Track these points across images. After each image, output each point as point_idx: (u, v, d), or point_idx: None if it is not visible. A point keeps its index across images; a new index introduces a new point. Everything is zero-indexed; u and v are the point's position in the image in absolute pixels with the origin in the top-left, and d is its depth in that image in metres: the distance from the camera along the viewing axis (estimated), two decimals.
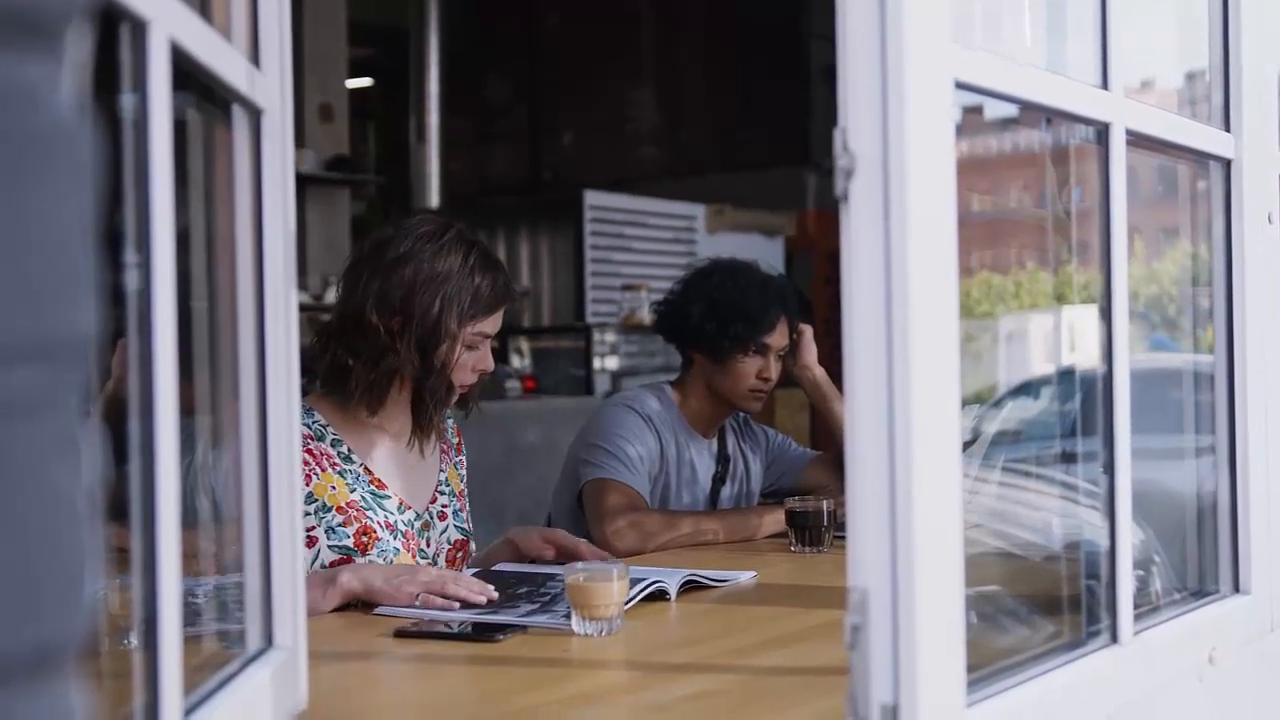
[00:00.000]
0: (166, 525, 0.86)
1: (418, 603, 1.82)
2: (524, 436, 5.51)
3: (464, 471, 2.29)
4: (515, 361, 7.00)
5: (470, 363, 2.09)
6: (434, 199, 7.68)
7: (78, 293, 0.56)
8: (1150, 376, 1.62)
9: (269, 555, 1.18)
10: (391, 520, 2.07)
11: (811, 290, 6.87)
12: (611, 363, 6.93)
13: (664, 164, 8.70)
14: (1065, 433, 1.65)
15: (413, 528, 2.11)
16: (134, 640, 0.92)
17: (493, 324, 2.10)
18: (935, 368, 1.04)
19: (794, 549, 2.39)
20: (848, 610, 1.02)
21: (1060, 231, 1.68)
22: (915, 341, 1.01)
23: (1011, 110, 1.39)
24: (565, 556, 2.11)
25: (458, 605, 1.80)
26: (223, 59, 1.04)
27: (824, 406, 2.82)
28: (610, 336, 6.97)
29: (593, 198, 7.65)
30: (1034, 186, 1.71)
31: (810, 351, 2.79)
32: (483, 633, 1.67)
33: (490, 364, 2.13)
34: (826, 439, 3.12)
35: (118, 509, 0.85)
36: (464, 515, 2.24)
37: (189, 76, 0.96)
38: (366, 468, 2.09)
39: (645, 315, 6.77)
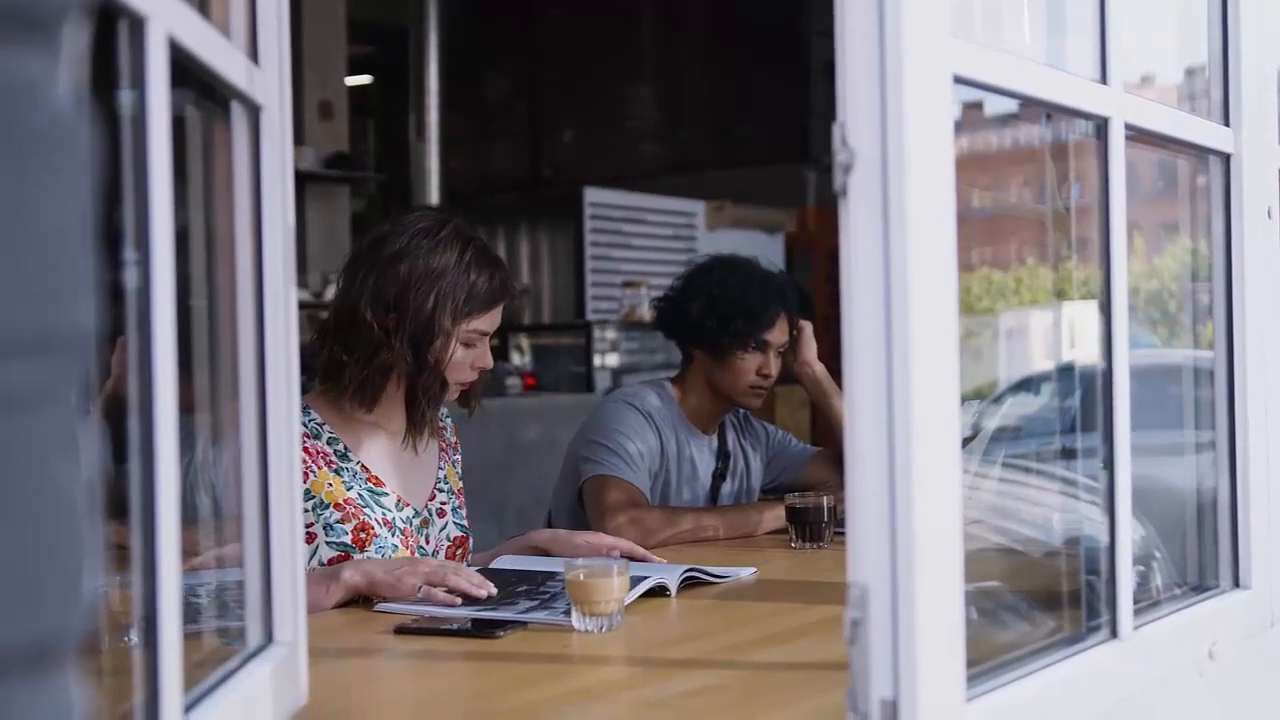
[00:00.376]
0: (166, 522, 0.86)
1: (419, 594, 1.81)
2: (524, 433, 5.52)
3: (460, 469, 2.29)
4: (515, 358, 7.00)
5: (468, 360, 2.09)
6: (434, 196, 7.68)
7: (76, 288, 0.56)
8: (1150, 372, 1.62)
9: (269, 552, 1.18)
10: (389, 517, 2.07)
11: (812, 287, 6.87)
12: (612, 359, 6.94)
13: (664, 161, 8.69)
14: (1065, 428, 1.65)
15: (411, 525, 2.11)
16: (134, 637, 0.92)
17: (489, 321, 2.09)
18: (935, 363, 1.04)
19: (794, 545, 2.39)
20: (847, 605, 1.02)
21: (1060, 227, 1.68)
22: (915, 337, 1.01)
23: (1012, 106, 1.39)
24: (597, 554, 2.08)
25: (459, 600, 1.80)
26: (221, 56, 1.04)
27: (824, 403, 2.82)
28: (610, 333, 6.98)
29: (593, 195, 7.66)
30: (1035, 182, 1.71)
31: (810, 348, 2.79)
32: (483, 629, 1.68)
33: (489, 361, 2.12)
34: (827, 435, 3.12)
35: (118, 506, 0.85)
36: (463, 513, 2.24)
37: (187, 73, 0.96)
38: (364, 465, 2.09)
39: (645, 312, 6.78)
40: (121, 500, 0.86)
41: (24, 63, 0.52)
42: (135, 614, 0.88)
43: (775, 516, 2.53)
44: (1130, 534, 1.36)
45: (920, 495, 1.01)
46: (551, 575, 1.94)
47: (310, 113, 6.92)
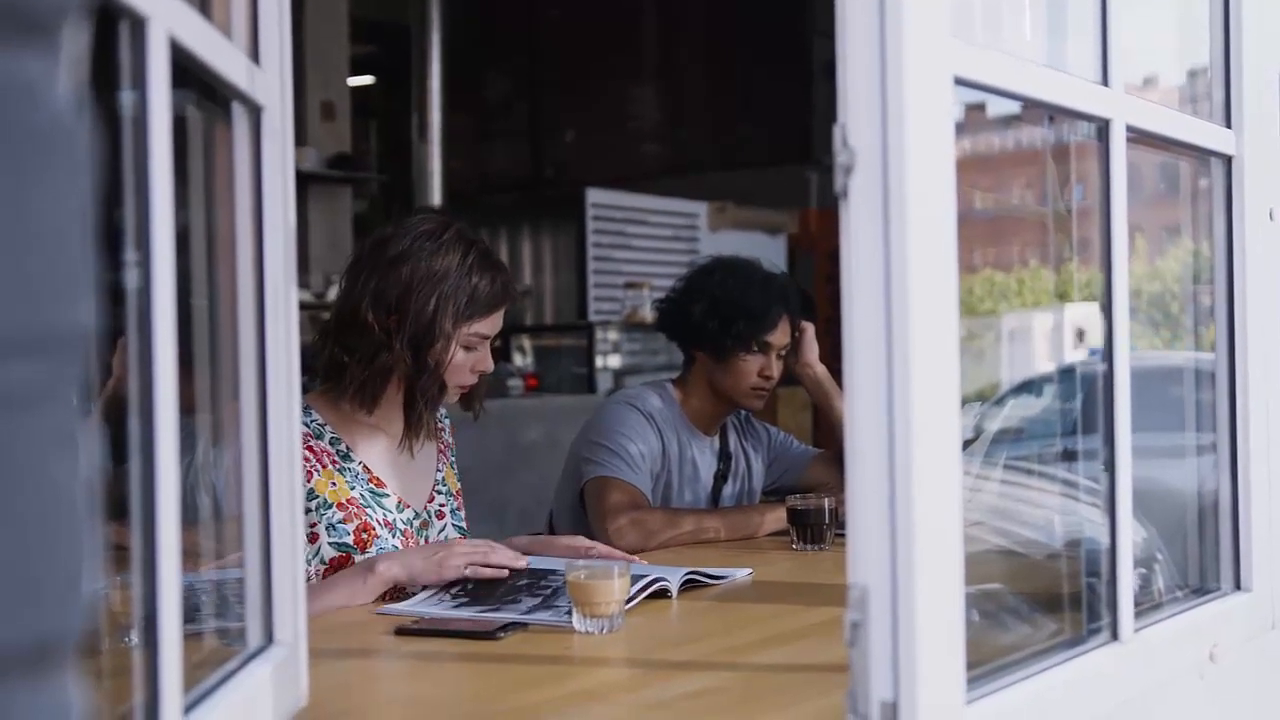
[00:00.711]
0: (166, 523, 0.86)
1: (467, 572, 1.88)
2: (526, 434, 5.52)
3: (457, 470, 2.30)
4: (517, 359, 7.00)
5: (469, 364, 2.09)
6: (436, 197, 7.68)
7: (76, 288, 0.56)
8: (1152, 374, 1.62)
9: (269, 552, 1.18)
10: (390, 519, 2.08)
11: (814, 288, 6.87)
12: (614, 361, 6.94)
13: (666, 161, 8.69)
14: (1066, 430, 1.65)
15: (411, 526, 2.11)
16: (134, 638, 0.92)
17: (490, 325, 2.10)
18: (935, 364, 1.03)
19: (795, 547, 2.39)
20: (847, 607, 1.02)
21: (1063, 229, 1.68)
22: (915, 338, 1.01)
23: (1015, 107, 1.39)
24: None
25: (506, 572, 1.89)
26: (222, 56, 1.04)
27: (825, 404, 2.82)
28: (612, 334, 6.98)
29: (595, 195, 7.66)
30: (1037, 184, 1.70)
31: (812, 349, 2.79)
32: (484, 630, 1.68)
33: (490, 365, 2.13)
34: (829, 437, 3.12)
35: (119, 507, 0.85)
36: (461, 514, 2.24)
37: (188, 73, 0.97)
38: (365, 466, 2.09)
39: (647, 313, 6.78)
40: (122, 500, 0.86)
41: (24, 64, 0.52)
42: (135, 614, 0.88)
43: (776, 518, 2.53)
44: (1131, 536, 1.36)
45: (920, 496, 1.01)
46: (551, 571, 1.94)
47: (312, 113, 6.93)
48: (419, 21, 7.45)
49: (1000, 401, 1.94)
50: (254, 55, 1.17)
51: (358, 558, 2.00)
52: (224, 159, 1.15)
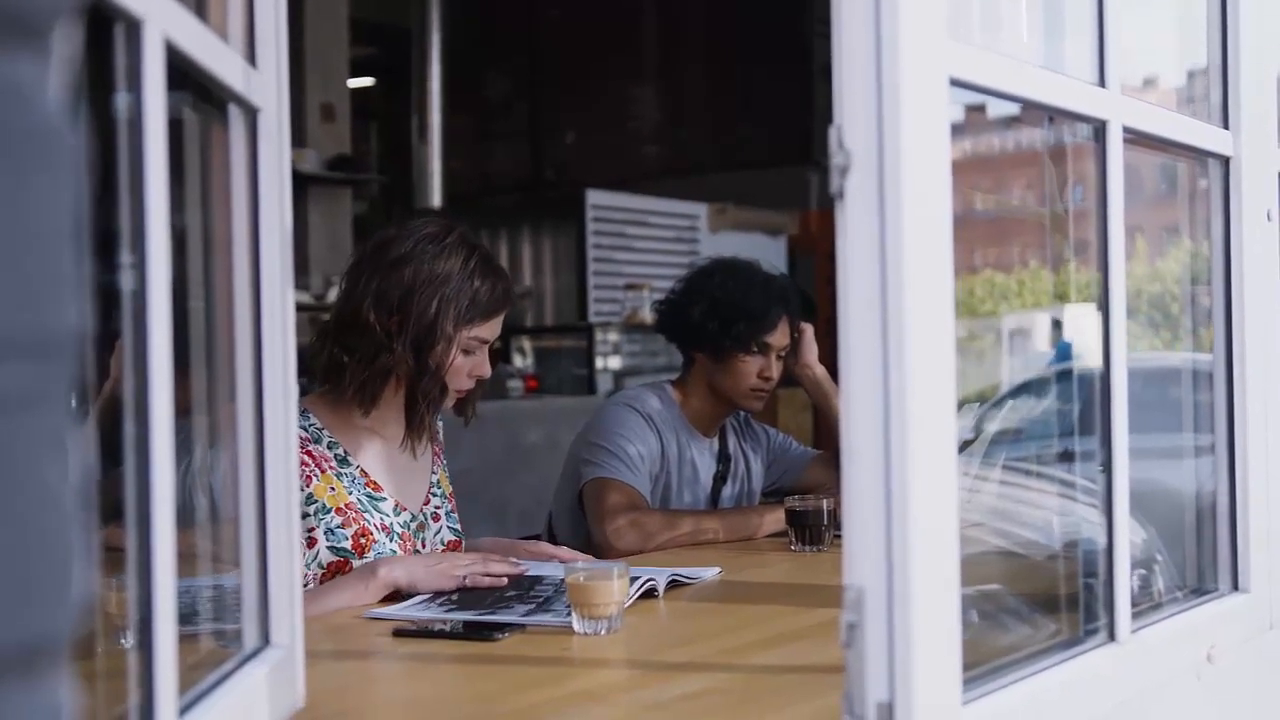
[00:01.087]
0: (162, 524, 0.86)
1: (466, 582, 1.91)
2: (526, 436, 5.52)
3: (448, 472, 2.30)
4: (517, 361, 7.00)
5: (467, 368, 2.10)
6: (436, 198, 7.69)
7: (67, 290, 0.56)
8: (1150, 375, 1.62)
9: (265, 554, 1.18)
10: (387, 522, 2.08)
11: (814, 290, 6.86)
12: (614, 362, 6.94)
13: (666, 163, 8.69)
14: (1065, 431, 1.65)
15: (408, 529, 2.12)
16: (129, 639, 0.92)
17: (490, 330, 2.11)
18: (931, 365, 1.03)
19: (794, 548, 2.39)
20: (843, 608, 1.02)
21: (1062, 230, 1.68)
22: (911, 339, 1.01)
23: (1015, 108, 1.39)
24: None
25: (505, 580, 1.92)
26: (218, 58, 1.04)
27: (825, 405, 2.82)
28: (612, 336, 6.98)
29: (595, 197, 7.66)
30: (1037, 185, 1.70)
31: (811, 350, 2.79)
32: (482, 631, 1.67)
33: (488, 370, 2.13)
34: (828, 438, 3.12)
35: (115, 509, 0.85)
36: (455, 516, 2.25)
37: (184, 75, 0.97)
38: (363, 470, 2.09)
39: (647, 314, 6.78)
40: (118, 503, 0.86)
41: (14, 66, 0.52)
42: (131, 616, 0.88)
43: (775, 519, 2.53)
44: (1128, 537, 1.36)
45: (916, 497, 1.01)
46: (539, 579, 1.95)
47: (312, 115, 6.93)
48: (419, 23, 7.46)
49: (1000, 402, 1.94)
50: (250, 57, 1.17)
51: (355, 562, 2.00)
52: (220, 161, 1.15)
